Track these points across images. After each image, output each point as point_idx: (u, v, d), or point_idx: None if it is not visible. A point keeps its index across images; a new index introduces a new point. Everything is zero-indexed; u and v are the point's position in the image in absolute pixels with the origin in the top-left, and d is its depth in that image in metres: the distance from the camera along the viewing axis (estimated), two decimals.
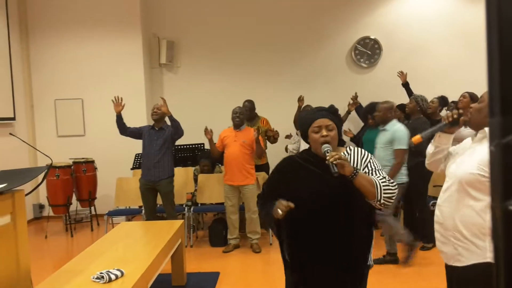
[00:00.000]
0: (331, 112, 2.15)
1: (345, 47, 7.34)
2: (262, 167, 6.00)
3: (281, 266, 2.29)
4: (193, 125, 6.15)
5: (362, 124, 6.51)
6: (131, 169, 6.49)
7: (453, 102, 5.83)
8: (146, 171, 5.17)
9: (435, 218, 2.10)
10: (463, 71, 6.97)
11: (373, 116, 4.93)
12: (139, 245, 3.55)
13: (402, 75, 6.30)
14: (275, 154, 6.54)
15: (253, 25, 7.36)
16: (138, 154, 6.10)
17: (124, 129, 5.18)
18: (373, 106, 5.14)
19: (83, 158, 6.54)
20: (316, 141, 2.09)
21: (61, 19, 7.15)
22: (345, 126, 6.46)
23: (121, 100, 5.13)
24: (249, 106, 6.03)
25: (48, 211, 6.54)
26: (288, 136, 6.75)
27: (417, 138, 2.15)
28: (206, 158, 5.92)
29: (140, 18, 7.13)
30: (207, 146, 6.03)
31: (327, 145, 2.04)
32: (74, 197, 6.43)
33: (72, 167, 6.36)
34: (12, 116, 6.68)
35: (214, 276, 4.45)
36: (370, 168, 2.07)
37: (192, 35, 7.45)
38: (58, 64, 7.19)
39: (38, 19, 7.16)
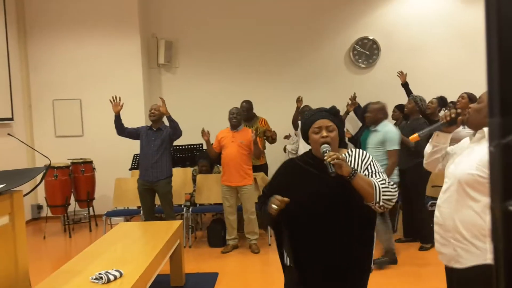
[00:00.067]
0: (332, 113, 2.15)
1: (343, 47, 7.34)
2: (261, 167, 6.00)
3: (280, 267, 2.29)
4: (192, 126, 6.15)
5: (360, 124, 6.52)
6: (130, 169, 6.48)
7: (451, 102, 5.84)
8: (144, 171, 5.16)
9: (435, 219, 2.09)
10: (462, 72, 6.98)
11: (364, 116, 4.94)
12: (137, 246, 3.54)
13: (402, 75, 6.30)
14: (274, 155, 6.57)
15: (252, 25, 7.37)
16: (137, 154, 6.09)
17: (122, 130, 5.17)
18: None
19: (81, 159, 6.53)
20: (316, 142, 2.09)
21: (59, 19, 7.14)
22: None
23: (119, 100, 5.12)
24: (247, 107, 6.03)
25: (46, 211, 6.53)
26: (287, 137, 6.75)
27: (414, 136, 2.16)
28: (205, 159, 5.91)
29: (139, 18, 7.12)
30: (205, 147, 6.03)
31: (326, 145, 2.04)
32: (72, 198, 6.42)
33: (71, 168, 6.36)
34: (10, 116, 6.66)
35: (212, 277, 4.44)
36: (370, 170, 2.07)
37: (190, 35, 7.45)
38: (56, 64, 7.18)
39: (36, 19, 7.15)
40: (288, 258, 2.19)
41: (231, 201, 5.27)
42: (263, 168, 6.07)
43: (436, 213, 2.09)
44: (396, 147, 4.37)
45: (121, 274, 2.75)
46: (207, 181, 5.81)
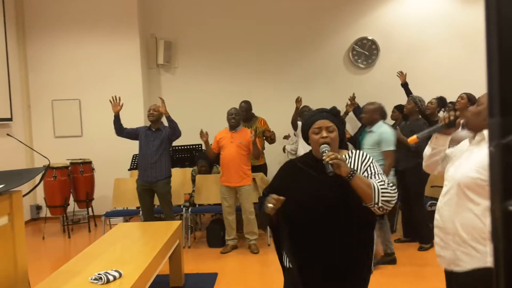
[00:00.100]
0: (332, 113, 2.15)
1: (342, 47, 7.35)
2: (260, 167, 6.00)
3: (279, 267, 2.29)
4: (191, 126, 6.15)
5: (360, 125, 6.52)
6: (129, 169, 6.48)
7: (451, 103, 5.84)
8: (142, 172, 5.16)
9: (435, 222, 2.08)
10: (462, 72, 6.99)
11: (360, 117, 4.94)
12: (137, 246, 3.54)
13: (402, 75, 6.30)
14: (273, 155, 6.57)
15: (251, 25, 7.37)
16: (136, 154, 6.09)
17: (121, 130, 5.17)
18: None
19: (80, 159, 6.52)
20: (316, 142, 2.09)
21: (58, 20, 7.13)
22: None
23: (119, 100, 5.12)
24: (246, 107, 6.02)
25: (45, 212, 6.53)
26: (286, 137, 6.75)
27: (413, 138, 2.16)
28: (204, 159, 5.91)
29: (138, 19, 7.12)
30: (204, 147, 6.03)
31: (325, 145, 2.04)
32: (71, 198, 6.41)
33: (70, 168, 6.35)
34: (9, 116, 6.66)
35: (212, 277, 4.44)
36: (370, 172, 2.06)
37: (189, 35, 7.44)
38: (55, 64, 7.18)
39: (35, 19, 7.15)
40: (287, 260, 2.19)
41: (229, 201, 5.27)
42: (263, 168, 6.07)
43: (436, 216, 2.08)
44: (391, 147, 4.36)
45: (120, 275, 2.75)
46: (206, 181, 5.80)
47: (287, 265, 2.19)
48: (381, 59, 7.28)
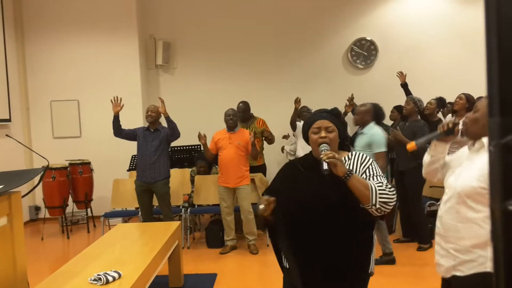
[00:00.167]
0: (333, 114, 2.15)
1: (341, 48, 7.35)
2: (259, 168, 5.99)
3: (279, 268, 2.28)
4: (190, 127, 6.14)
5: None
6: (128, 170, 6.47)
7: (450, 103, 5.84)
8: (141, 172, 5.15)
9: (436, 230, 2.07)
10: (461, 72, 6.99)
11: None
12: (136, 247, 3.53)
13: (402, 75, 6.29)
14: (272, 155, 6.57)
15: (250, 25, 7.37)
16: (135, 155, 6.07)
17: (119, 131, 5.16)
18: None
19: (79, 160, 6.51)
20: (314, 142, 2.09)
21: (57, 20, 7.13)
22: None
23: (120, 100, 5.11)
24: (243, 107, 6.00)
25: (44, 213, 6.52)
26: (286, 137, 6.75)
27: (412, 146, 2.15)
28: (203, 160, 5.91)
29: (136, 19, 7.12)
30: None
31: (324, 144, 2.04)
32: (70, 199, 6.41)
33: (68, 169, 6.35)
34: (8, 117, 6.65)
35: (211, 278, 4.44)
36: (368, 174, 2.06)
37: (188, 36, 7.44)
38: (54, 65, 7.17)
39: (33, 20, 7.14)
40: (286, 260, 2.18)
41: (228, 202, 5.26)
42: (262, 168, 6.06)
43: (438, 224, 2.07)
44: (383, 149, 4.34)
45: (119, 275, 2.75)
46: (205, 182, 5.80)
47: (286, 266, 2.19)
48: (380, 59, 7.28)
